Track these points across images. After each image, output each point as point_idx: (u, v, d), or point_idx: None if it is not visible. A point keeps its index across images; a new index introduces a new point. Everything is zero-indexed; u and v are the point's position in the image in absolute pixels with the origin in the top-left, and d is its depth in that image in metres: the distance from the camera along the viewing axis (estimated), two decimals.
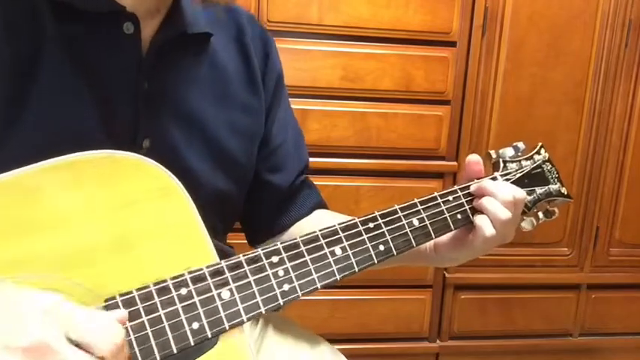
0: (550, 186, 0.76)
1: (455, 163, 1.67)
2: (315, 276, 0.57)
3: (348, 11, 1.53)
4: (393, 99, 1.60)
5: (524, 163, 0.76)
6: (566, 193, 0.78)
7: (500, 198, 0.66)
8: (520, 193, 0.68)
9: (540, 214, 0.75)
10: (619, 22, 1.65)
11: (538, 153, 0.78)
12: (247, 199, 0.75)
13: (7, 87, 0.53)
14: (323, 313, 1.70)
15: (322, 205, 0.82)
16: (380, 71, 1.57)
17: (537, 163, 0.76)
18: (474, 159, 0.72)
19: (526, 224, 0.74)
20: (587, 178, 1.76)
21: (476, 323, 1.83)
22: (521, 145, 0.76)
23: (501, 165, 0.74)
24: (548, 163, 0.78)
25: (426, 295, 1.76)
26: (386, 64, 1.57)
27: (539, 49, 1.64)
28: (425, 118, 1.62)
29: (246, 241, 0.82)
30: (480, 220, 0.66)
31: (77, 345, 0.41)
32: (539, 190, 0.74)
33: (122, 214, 0.51)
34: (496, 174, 0.74)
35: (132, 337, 0.47)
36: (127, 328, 0.47)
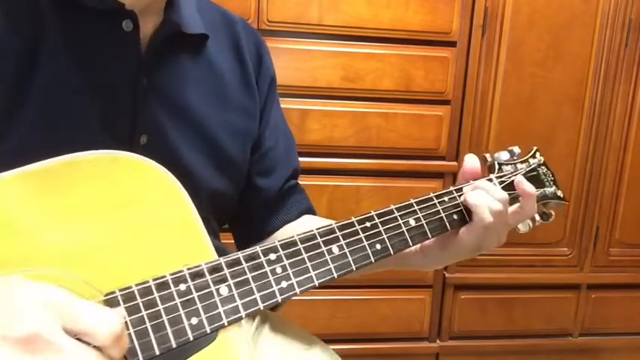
0: (545, 189, 0.76)
1: (455, 163, 1.67)
2: (312, 273, 0.57)
3: (348, 11, 1.53)
4: (393, 99, 1.60)
5: (519, 166, 0.76)
6: (561, 195, 0.78)
7: (491, 194, 0.67)
8: (505, 195, 0.67)
9: (537, 216, 0.75)
10: (619, 22, 1.65)
11: (533, 157, 0.78)
12: (237, 204, 0.76)
13: (9, 80, 0.54)
14: (323, 313, 1.70)
15: (310, 212, 0.83)
16: (380, 71, 1.57)
17: (532, 166, 0.77)
18: (470, 160, 0.72)
19: (522, 226, 0.74)
20: (587, 178, 1.76)
21: (476, 323, 1.83)
22: (516, 149, 0.77)
23: (496, 167, 0.75)
24: (543, 167, 0.78)
25: (426, 295, 1.76)
26: (386, 64, 1.57)
27: (539, 49, 1.64)
28: (425, 118, 1.63)
29: (233, 241, 0.81)
30: (475, 209, 0.66)
31: (75, 336, 0.41)
32: (537, 191, 0.74)
33: (122, 212, 0.51)
34: (491, 176, 0.74)
35: (131, 330, 0.47)
36: (126, 322, 0.47)
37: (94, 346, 0.41)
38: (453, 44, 1.60)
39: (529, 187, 0.69)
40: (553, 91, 1.67)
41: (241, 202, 0.76)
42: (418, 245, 0.71)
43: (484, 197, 0.66)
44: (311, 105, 1.55)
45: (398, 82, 1.59)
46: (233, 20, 0.76)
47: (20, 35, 0.54)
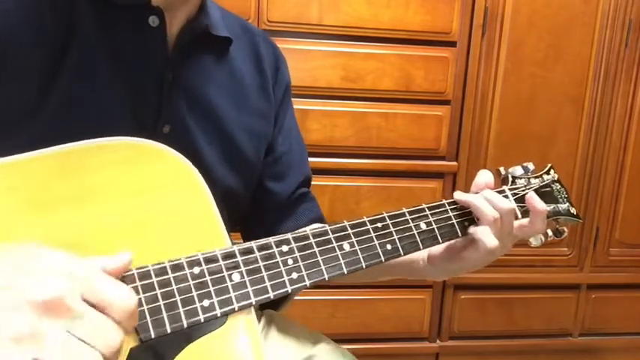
0: (559, 205, 0.77)
1: (455, 163, 1.67)
2: (323, 267, 0.59)
3: (348, 11, 1.53)
4: (393, 99, 1.60)
5: (532, 180, 0.77)
6: (575, 213, 0.78)
7: (499, 206, 0.67)
8: (512, 204, 0.68)
9: (549, 232, 0.75)
10: (619, 22, 1.65)
11: (547, 173, 0.79)
12: (248, 205, 0.77)
13: (42, 62, 0.56)
14: (324, 313, 1.70)
15: (321, 220, 0.83)
16: (380, 71, 1.57)
17: (546, 182, 0.77)
18: (484, 174, 0.72)
19: (534, 240, 0.74)
20: (587, 178, 1.76)
21: (476, 323, 1.83)
22: (530, 165, 0.78)
23: (510, 180, 0.75)
24: (557, 183, 0.78)
25: (426, 295, 1.76)
26: (386, 64, 1.57)
27: (539, 49, 1.64)
28: (425, 118, 1.63)
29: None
30: (479, 233, 0.67)
31: (92, 305, 0.42)
32: (547, 208, 0.73)
33: (141, 197, 0.53)
34: (504, 187, 0.74)
35: (145, 307, 0.48)
36: (140, 299, 0.48)
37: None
38: (453, 44, 1.60)
39: (539, 204, 0.69)
40: (553, 91, 1.68)
41: (253, 204, 0.77)
42: (426, 255, 0.72)
43: (484, 202, 0.67)
44: (311, 105, 1.55)
45: (398, 82, 1.59)
46: (253, 31, 0.79)
47: (58, 23, 0.57)
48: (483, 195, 0.68)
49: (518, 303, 1.84)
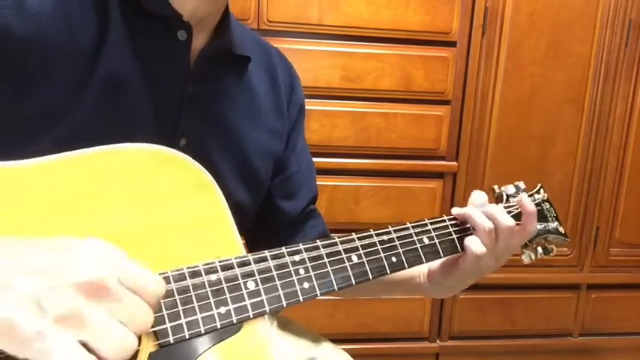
0: (548, 224, 0.79)
1: (455, 163, 1.67)
2: (332, 278, 0.60)
3: (348, 11, 1.53)
4: (393, 99, 1.60)
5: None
6: (563, 232, 0.81)
7: (491, 213, 0.70)
8: (511, 221, 0.70)
9: (539, 249, 0.79)
10: (619, 22, 1.65)
11: (538, 192, 0.82)
12: (258, 220, 0.79)
13: (75, 71, 0.56)
14: (324, 313, 1.70)
15: (326, 235, 0.85)
16: (380, 71, 1.57)
17: (537, 201, 0.80)
18: (478, 195, 0.74)
19: (525, 257, 0.78)
20: (587, 178, 1.76)
21: (476, 323, 1.83)
22: (521, 184, 0.81)
23: (504, 198, 0.78)
24: (547, 203, 0.81)
25: None
26: (386, 64, 1.57)
27: (539, 49, 1.64)
28: (425, 118, 1.63)
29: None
30: (468, 240, 0.69)
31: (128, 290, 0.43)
32: (537, 226, 0.77)
33: (158, 204, 0.53)
34: (500, 205, 0.76)
35: (164, 312, 0.49)
36: (160, 304, 0.49)
37: None
38: (453, 44, 1.60)
39: (530, 205, 0.72)
40: (553, 91, 1.68)
41: (262, 222, 0.79)
42: (426, 270, 0.76)
43: (479, 213, 0.70)
44: (311, 105, 1.55)
45: (398, 82, 1.59)
46: (268, 48, 0.80)
47: (91, 32, 0.57)
48: (486, 209, 0.70)
49: (518, 303, 1.84)
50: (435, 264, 0.74)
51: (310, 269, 0.59)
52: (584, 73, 1.68)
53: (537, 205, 0.79)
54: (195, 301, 0.51)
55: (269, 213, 0.79)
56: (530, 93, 1.67)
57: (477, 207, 0.72)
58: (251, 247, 0.82)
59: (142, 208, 0.52)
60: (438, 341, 1.82)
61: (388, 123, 1.61)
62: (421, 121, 1.62)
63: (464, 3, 1.57)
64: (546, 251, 0.79)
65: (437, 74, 1.60)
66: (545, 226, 0.78)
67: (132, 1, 0.59)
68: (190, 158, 0.56)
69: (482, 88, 1.64)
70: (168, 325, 0.49)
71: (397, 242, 0.66)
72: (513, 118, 1.67)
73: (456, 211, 0.72)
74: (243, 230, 0.77)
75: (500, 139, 1.67)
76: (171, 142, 0.62)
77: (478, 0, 1.58)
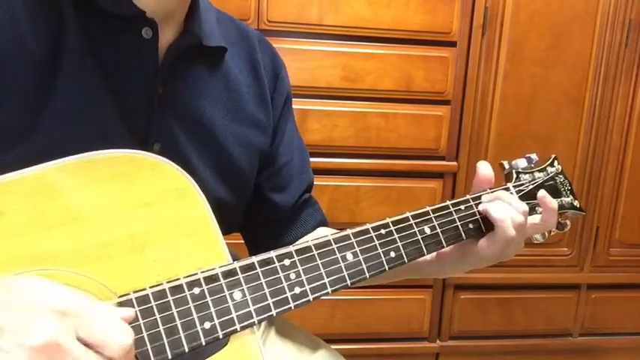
0: (563, 198, 0.76)
1: (455, 163, 1.67)
2: (326, 280, 0.57)
3: (348, 11, 1.53)
4: (393, 99, 1.60)
5: (537, 174, 0.76)
6: (578, 206, 0.77)
7: (515, 206, 0.67)
8: (535, 223, 0.68)
9: None
10: (619, 22, 1.65)
11: (551, 165, 0.78)
12: (250, 215, 0.77)
13: (32, 80, 0.54)
14: (323, 313, 1.70)
15: (324, 224, 0.83)
16: (380, 71, 1.57)
17: (550, 175, 0.76)
18: (483, 167, 0.71)
19: (540, 236, 0.74)
20: (587, 178, 1.76)
21: (476, 323, 1.83)
22: (534, 156, 0.76)
23: (514, 176, 0.74)
24: (561, 176, 0.77)
25: (426, 295, 1.76)
26: (386, 64, 1.57)
27: (539, 49, 1.64)
28: (425, 118, 1.63)
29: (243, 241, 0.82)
30: (500, 223, 0.66)
31: (87, 345, 0.41)
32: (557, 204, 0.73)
33: (139, 212, 0.51)
34: (509, 184, 0.73)
35: (144, 334, 0.47)
36: (139, 326, 0.47)
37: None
38: (453, 44, 1.60)
39: (552, 202, 0.69)
40: (553, 91, 1.67)
41: (255, 217, 0.77)
42: (434, 253, 0.70)
43: (507, 210, 0.66)
44: (311, 105, 1.55)
45: (398, 82, 1.59)
46: (249, 34, 0.76)
47: (43, 37, 0.54)
48: (513, 216, 0.67)
49: (518, 303, 1.84)
50: (448, 248, 0.69)
51: (302, 273, 0.56)
52: (584, 73, 1.67)
53: (551, 179, 0.75)
54: (177, 318, 0.49)
55: (261, 207, 0.77)
56: (530, 93, 1.66)
57: (482, 183, 0.69)
58: (249, 244, 0.81)
59: (122, 218, 0.51)
60: (438, 341, 1.82)
61: (388, 123, 1.61)
62: (421, 121, 1.62)
63: (464, 3, 1.57)
64: (560, 226, 0.75)
65: (437, 74, 1.60)
66: (560, 202, 0.75)
67: (87, 4, 0.56)
68: (169, 161, 0.54)
69: (482, 88, 1.64)
70: (149, 346, 0.47)
71: (396, 235, 0.63)
72: (513, 118, 1.67)
73: (482, 207, 0.68)
74: (232, 229, 0.76)
75: (500, 139, 1.67)
76: (144, 147, 0.59)
77: (478, 0, 1.57)
